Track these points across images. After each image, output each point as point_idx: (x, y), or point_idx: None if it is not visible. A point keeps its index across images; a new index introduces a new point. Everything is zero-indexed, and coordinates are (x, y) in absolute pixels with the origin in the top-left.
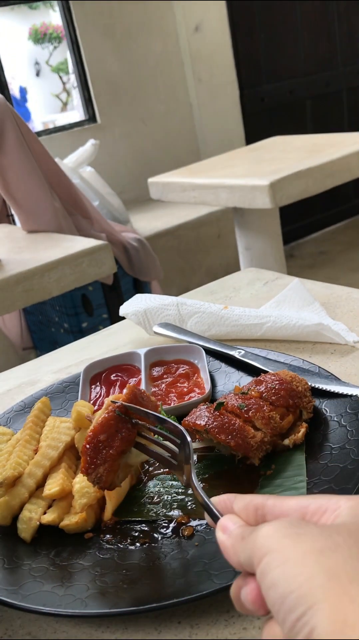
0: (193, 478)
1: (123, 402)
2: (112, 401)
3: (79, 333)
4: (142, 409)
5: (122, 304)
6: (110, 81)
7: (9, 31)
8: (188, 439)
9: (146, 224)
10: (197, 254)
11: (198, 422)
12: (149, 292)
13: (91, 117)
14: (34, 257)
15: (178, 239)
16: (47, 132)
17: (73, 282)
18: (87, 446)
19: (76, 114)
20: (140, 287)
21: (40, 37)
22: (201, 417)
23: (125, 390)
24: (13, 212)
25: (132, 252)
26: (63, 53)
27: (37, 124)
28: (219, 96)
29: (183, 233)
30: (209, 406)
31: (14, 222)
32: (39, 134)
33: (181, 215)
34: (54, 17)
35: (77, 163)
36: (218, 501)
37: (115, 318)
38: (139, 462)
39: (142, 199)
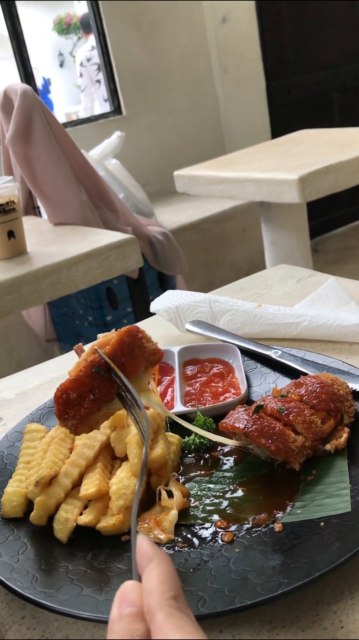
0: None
1: (107, 356)
2: (95, 348)
3: (103, 326)
4: (123, 377)
5: (146, 297)
6: (136, 73)
7: (33, 22)
8: (145, 442)
9: (170, 217)
10: (221, 248)
11: (237, 425)
12: (174, 286)
13: (116, 109)
14: (61, 250)
15: (202, 233)
16: (72, 123)
17: (100, 276)
18: (58, 398)
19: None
20: (165, 281)
21: (64, 27)
22: (240, 420)
23: (113, 333)
24: (39, 204)
25: (157, 246)
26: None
27: (59, 115)
28: (245, 88)
29: (208, 227)
30: (247, 408)
31: (40, 215)
32: (64, 125)
33: (205, 208)
34: (78, 8)
35: (102, 155)
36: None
37: (140, 312)
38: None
39: (166, 191)
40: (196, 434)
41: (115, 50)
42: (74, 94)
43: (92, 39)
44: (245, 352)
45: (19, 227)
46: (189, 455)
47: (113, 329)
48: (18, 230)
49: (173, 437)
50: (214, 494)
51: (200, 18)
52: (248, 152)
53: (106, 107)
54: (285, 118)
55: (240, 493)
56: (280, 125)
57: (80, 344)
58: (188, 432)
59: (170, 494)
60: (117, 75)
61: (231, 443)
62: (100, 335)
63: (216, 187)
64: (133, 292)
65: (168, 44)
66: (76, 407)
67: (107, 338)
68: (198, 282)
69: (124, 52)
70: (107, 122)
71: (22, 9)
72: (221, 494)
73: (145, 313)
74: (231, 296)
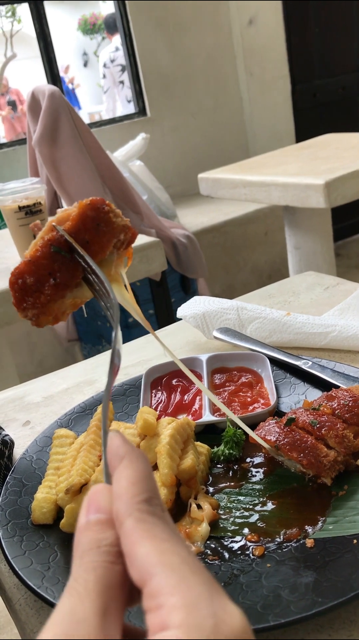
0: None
1: (67, 233)
2: (53, 225)
3: (125, 328)
4: (87, 257)
5: (168, 300)
6: (161, 74)
7: (59, 22)
8: (115, 329)
9: (193, 219)
10: (243, 251)
11: (268, 438)
12: (195, 289)
13: (141, 110)
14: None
15: (224, 236)
16: (97, 124)
17: None
18: (13, 284)
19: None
20: (187, 283)
21: (89, 27)
22: (272, 432)
23: (74, 207)
24: (64, 204)
25: (180, 249)
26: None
27: (83, 114)
28: (270, 91)
29: (230, 229)
30: (279, 421)
31: None
32: (89, 126)
33: (228, 211)
34: (103, 8)
35: (126, 156)
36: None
37: (162, 314)
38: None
39: (189, 193)
40: (225, 445)
41: (141, 51)
42: (97, 93)
43: (115, 40)
44: (274, 361)
45: None
46: (218, 466)
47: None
48: None
49: (202, 447)
50: (244, 506)
51: (227, 20)
52: (273, 156)
53: (129, 109)
54: (310, 121)
55: (270, 506)
56: (305, 128)
57: (38, 221)
58: (217, 442)
59: (199, 506)
60: (142, 76)
61: (265, 445)
62: (59, 210)
63: (241, 190)
64: (155, 294)
65: (193, 46)
66: (35, 293)
67: (66, 212)
68: (219, 285)
69: (150, 53)
70: (132, 123)
71: (48, 9)
72: (251, 507)
73: (166, 315)
74: (258, 303)
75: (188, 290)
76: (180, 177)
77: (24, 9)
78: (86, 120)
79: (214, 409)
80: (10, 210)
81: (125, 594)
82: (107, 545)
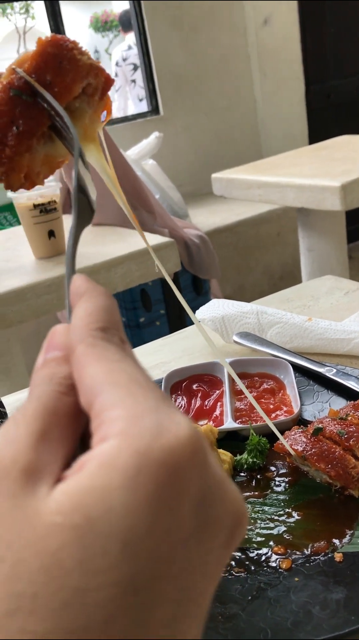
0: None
1: (26, 74)
2: (13, 67)
3: (136, 328)
4: (47, 95)
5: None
6: (175, 73)
7: (71, 19)
8: (75, 164)
9: (204, 219)
10: (255, 251)
11: (295, 448)
12: (208, 290)
13: (154, 109)
14: (100, 252)
15: (236, 236)
16: (110, 122)
17: (138, 278)
18: None
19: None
20: (199, 284)
21: (101, 25)
22: (298, 442)
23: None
24: None
25: (193, 249)
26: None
27: None
28: (284, 91)
29: (242, 230)
30: (305, 430)
31: None
32: None
33: (240, 211)
34: (115, 6)
35: (139, 155)
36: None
37: (173, 314)
38: (67, 156)
39: (201, 192)
40: (249, 453)
41: (155, 50)
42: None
43: (128, 38)
44: (296, 367)
45: (59, 227)
46: (241, 474)
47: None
48: (58, 230)
49: (226, 455)
50: (269, 517)
51: (241, 20)
52: (288, 157)
53: (140, 107)
54: (324, 122)
55: (295, 517)
56: (318, 129)
57: None
58: (240, 450)
59: None
60: (155, 75)
61: (292, 453)
62: (21, 53)
63: (255, 191)
64: (167, 295)
65: (208, 45)
66: (0, 146)
67: (27, 54)
68: (230, 286)
69: (164, 52)
70: (144, 122)
71: (63, 8)
72: (276, 518)
73: (178, 316)
74: (277, 307)
75: (200, 291)
76: (192, 176)
77: (37, 6)
78: None
79: (236, 416)
80: (25, 207)
81: (76, 426)
82: (59, 377)
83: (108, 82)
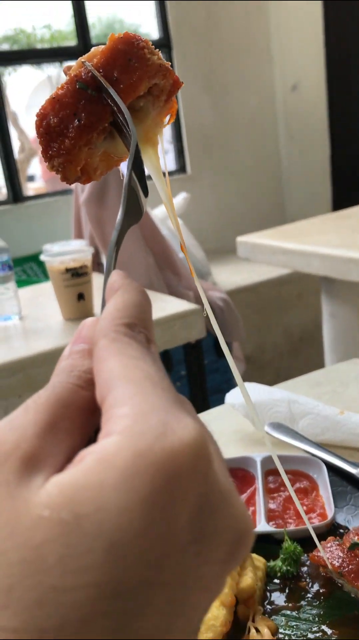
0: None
1: (95, 69)
2: (82, 61)
3: None
4: (112, 91)
5: (201, 362)
6: (204, 133)
7: None
8: (129, 164)
9: (227, 277)
10: (275, 312)
11: (333, 563)
12: (230, 351)
13: (181, 168)
14: None
15: (257, 296)
16: None
17: (163, 344)
18: (38, 127)
19: None
20: (221, 346)
21: None
22: (335, 556)
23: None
24: (105, 261)
25: (216, 312)
26: None
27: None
28: (309, 154)
29: (264, 290)
30: (341, 543)
31: (103, 272)
32: None
33: (262, 271)
34: None
35: (166, 215)
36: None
37: (194, 376)
38: (126, 155)
39: (224, 250)
40: (283, 561)
41: (186, 110)
42: None
43: None
44: (330, 466)
45: (89, 290)
46: (274, 581)
47: None
48: (88, 293)
49: (259, 561)
50: (303, 633)
51: (270, 84)
52: (314, 223)
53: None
54: (348, 187)
55: (330, 635)
56: (342, 194)
57: (69, 64)
58: (272, 553)
59: (258, 629)
60: (184, 134)
61: (329, 566)
62: (93, 49)
63: (280, 257)
64: (188, 356)
65: (237, 108)
66: (59, 138)
67: (98, 49)
68: (250, 345)
69: (194, 112)
70: (172, 180)
71: None
72: (310, 635)
73: (199, 378)
74: (306, 391)
75: (221, 352)
76: (216, 235)
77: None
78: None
79: (269, 516)
80: (57, 271)
81: (88, 420)
82: (80, 370)
83: (175, 84)
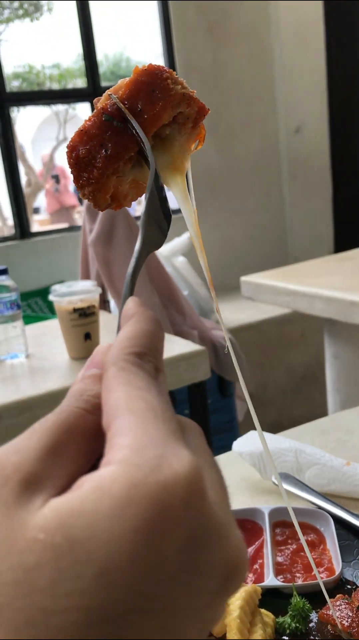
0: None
1: (120, 101)
2: (109, 94)
3: None
4: (131, 119)
5: (205, 402)
6: (209, 175)
7: None
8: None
9: (230, 315)
10: (278, 350)
11: (343, 623)
12: (233, 391)
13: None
14: None
15: (260, 334)
16: None
17: (168, 385)
18: (69, 158)
19: None
20: (224, 385)
21: None
22: (344, 615)
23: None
24: (112, 299)
25: (220, 351)
26: None
27: None
28: (312, 195)
29: (267, 328)
30: (350, 602)
31: (109, 309)
32: (136, 218)
33: (265, 309)
34: None
35: (171, 252)
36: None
37: (197, 415)
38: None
39: (227, 288)
40: (292, 618)
41: (192, 153)
42: None
43: None
44: (337, 519)
45: (95, 330)
46: (283, 638)
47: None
48: (94, 332)
49: (268, 617)
50: None
51: (274, 127)
52: (317, 265)
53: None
54: (350, 228)
55: None
56: (344, 234)
57: (99, 97)
58: (280, 608)
59: None
60: (190, 175)
61: (339, 625)
62: (119, 81)
63: (284, 298)
64: (192, 396)
65: (241, 149)
66: (88, 168)
67: (124, 81)
68: (253, 384)
69: (200, 154)
70: (177, 219)
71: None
72: None
73: (203, 417)
74: (311, 439)
75: (225, 392)
76: (220, 273)
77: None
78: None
79: (277, 570)
80: (65, 311)
81: (93, 445)
82: (89, 395)
83: (201, 111)
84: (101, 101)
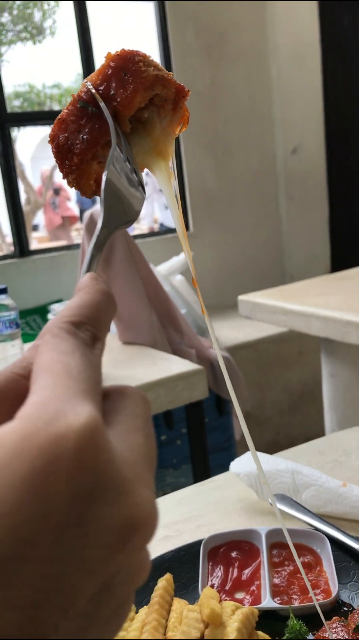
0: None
1: (94, 87)
2: (84, 82)
3: (158, 446)
4: (101, 104)
5: (202, 420)
6: (207, 195)
7: None
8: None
9: (228, 333)
10: (275, 369)
11: None
12: (230, 410)
13: (185, 226)
14: (131, 375)
15: (258, 352)
16: (141, 236)
17: (166, 404)
18: (52, 148)
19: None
20: (222, 404)
21: None
22: (341, 638)
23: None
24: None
25: (218, 370)
26: None
27: None
28: (308, 214)
29: (264, 347)
30: (346, 624)
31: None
32: (134, 237)
33: (263, 328)
34: None
35: (169, 271)
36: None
37: (195, 433)
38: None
39: (224, 306)
40: (288, 639)
41: (190, 173)
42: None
43: None
44: (333, 540)
45: None
46: None
47: None
48: None
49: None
50: None
51: (271, 147)
52: (314, 284)
53: (165, 214)
54: (346, 247)
55: None
56: (340, 253)
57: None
58: (277, 631)
59: None
60: (188, 195)
61: None
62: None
63: (281, 317)
64: (189, 414)
65: (239, 170)
66: (69, 155)
67: (99, 70)
68: (250, 402)
69: (198, 174)
70: (174, 237)
71: None
72: None
73: (200, 436)
74: (309, 459)
75: (222, 411)
76: (217, 291)
77: None
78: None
79: (274, 591)
80: None
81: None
82: (28, 362)
83: (180, 92)
84: (79, 90)
